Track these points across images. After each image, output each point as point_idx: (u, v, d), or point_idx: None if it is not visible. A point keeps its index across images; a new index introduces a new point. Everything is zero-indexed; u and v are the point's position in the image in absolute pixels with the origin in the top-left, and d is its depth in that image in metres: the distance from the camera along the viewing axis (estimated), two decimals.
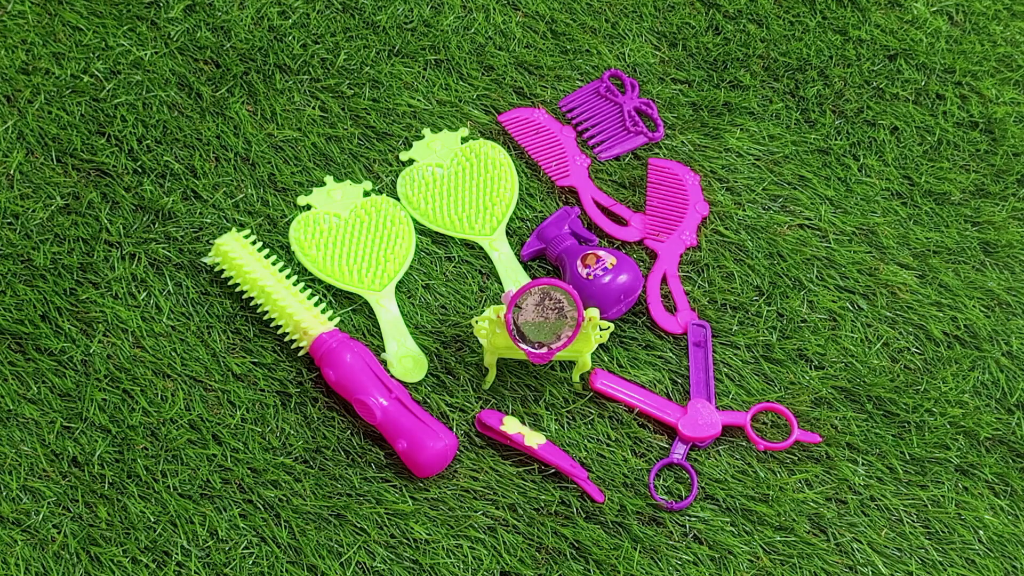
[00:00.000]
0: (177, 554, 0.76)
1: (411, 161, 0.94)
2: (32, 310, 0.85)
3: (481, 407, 0.83)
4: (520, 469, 0.80)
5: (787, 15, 1.03)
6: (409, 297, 0.88)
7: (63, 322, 0.84)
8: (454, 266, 0.89)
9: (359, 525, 0.78)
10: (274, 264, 0.86)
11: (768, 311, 0.87)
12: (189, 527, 0.77)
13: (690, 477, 0.80)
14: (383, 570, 0.76)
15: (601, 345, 0.83)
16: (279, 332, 0.84)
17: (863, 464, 0.81)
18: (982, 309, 0.88)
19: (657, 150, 0.95)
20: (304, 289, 0.86)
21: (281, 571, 0.76)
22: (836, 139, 0.96)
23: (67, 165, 0.92)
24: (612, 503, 0.79)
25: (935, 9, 1.04)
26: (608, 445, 0.81)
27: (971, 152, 0.96)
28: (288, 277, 0.86)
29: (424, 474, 0.79)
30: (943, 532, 0.79)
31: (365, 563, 0.76)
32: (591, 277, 0.83)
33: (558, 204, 0.92)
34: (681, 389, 0.84)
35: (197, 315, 0.86)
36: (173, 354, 0.84)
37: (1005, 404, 0.84)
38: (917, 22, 1.03)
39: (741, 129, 0.96)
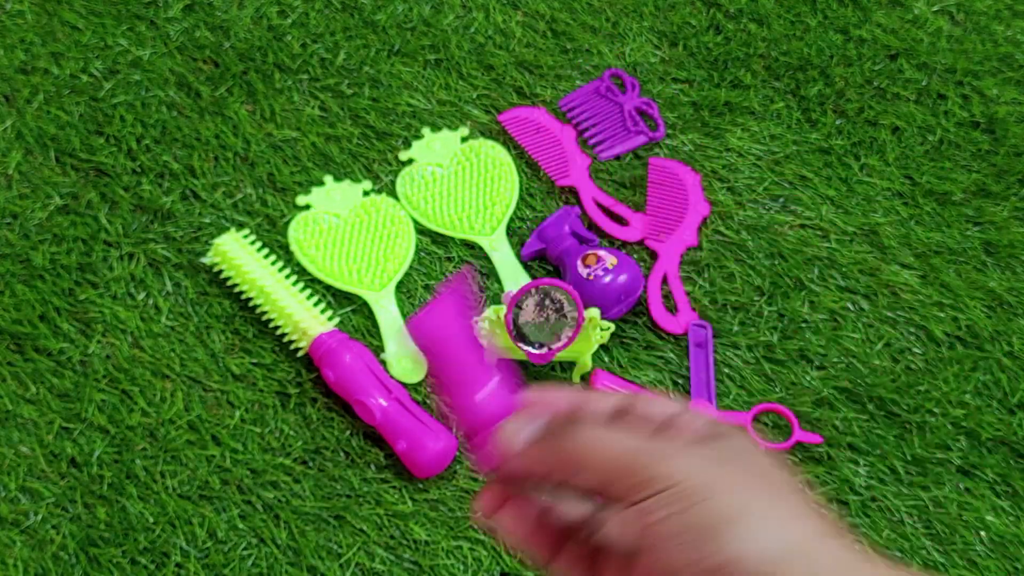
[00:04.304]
0: (176, 555, 0.76)
1: (411, 161, 0.93)
2: (31, 310, 0.85)
3: None
4: None
5: (788, 14, 1.03)
6: (409, 297, 0.87)
7: (62, 322, 0.84)
8: (454, 266, 0.89)
9: (359, 526, 0.77)
10: (273, 264, 0.86)
11: (769, 311, 0.87)
12: (188, 528, 0.77)
13: None
14: (383, 571, 0.76)
15: (601, 345, 0.83)
16: (278, 332, 0.84)
17: (864, 465, 0.81)
18: (984, 309, 0.88)
19: (658, 150, 0.95)
20: (303, 289, 0.86)
21: (280, 572, 0.76)
22: (837, 139, 0.96)
23: (66, 165, 0.92)
24: None
25: (936, 9, 1.04)
26: None
27: (972, 152, 0.96)
28: (287, 277, 0.86)
29: (424, 475, 0.78)
30: (945, 533, 0.79)
31: (364, 564, 0.76)
32: (591, 277, 0.83)
33: (558, 204, 0.92)
34: (682, 390, 0.84)
35: (196, 315, 0.85)
36: (172, 354, 0.83)
37: (1007, 405, 0.84)
38: (918, 21, 1.03)
39: (742, 129, 0.96)
